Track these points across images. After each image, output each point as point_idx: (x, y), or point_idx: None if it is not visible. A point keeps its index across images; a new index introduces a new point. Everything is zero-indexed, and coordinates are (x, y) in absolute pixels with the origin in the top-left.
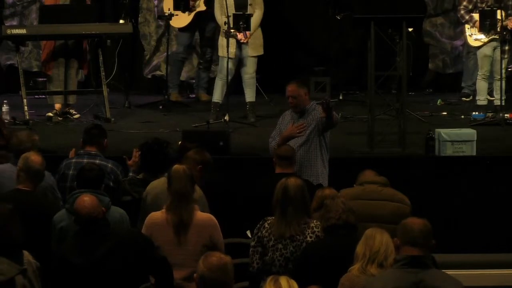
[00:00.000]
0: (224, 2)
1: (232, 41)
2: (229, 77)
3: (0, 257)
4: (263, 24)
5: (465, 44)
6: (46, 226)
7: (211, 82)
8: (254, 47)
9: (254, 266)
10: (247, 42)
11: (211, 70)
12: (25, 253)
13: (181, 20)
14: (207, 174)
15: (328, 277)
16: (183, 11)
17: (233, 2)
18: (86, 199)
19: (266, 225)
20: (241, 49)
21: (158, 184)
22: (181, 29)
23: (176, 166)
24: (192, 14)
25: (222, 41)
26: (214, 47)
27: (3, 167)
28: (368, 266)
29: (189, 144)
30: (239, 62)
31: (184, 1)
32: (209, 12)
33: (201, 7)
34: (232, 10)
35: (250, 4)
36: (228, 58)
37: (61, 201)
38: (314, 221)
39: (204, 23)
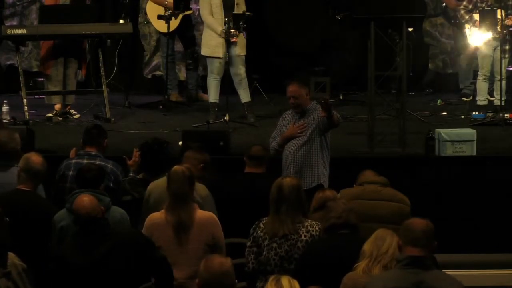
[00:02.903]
0: (217, 2)
1: (221, 40)
2: (221, 76)
3: None
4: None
5: (456, 45)
6: (46, 226)
7: (204, 79)
8: (241, 46)
9: (250, 266)
10: (235, 41)
11: (199, 68)
12: (11, 255)
13: (165, 24)
14: (208, 174)
15: (329, 277)
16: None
17: (220, 2)
18: (85, 199)
19: (261, 225)
20: (230, 49)
21: (160, 183)
22: (164, 34)
23: (175, 167)
24: (179, 18)
25: (212, 41)
26: (197, 44)
27: None
28: (373, 266)
29: (192, 144)
30: (228, 61)
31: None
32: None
33: (188, 10)
34: (220, 10)
35: (237, 4)
36: (219, 58)
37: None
38: (309, 220)
39: (182, 25)
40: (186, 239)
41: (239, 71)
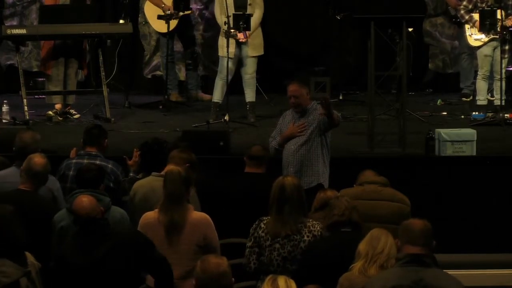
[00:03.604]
0: (224, 2)
1: (232, 41)
2: (229, 77)
3: (4, 259)
4: (263, 24)
5: (459, 45)
6: (46, 226)
7: (204, 79)
8: (254, 47)
9: (251, 266)
10: (246, 41)
11: (198, 68)
12: (28, 255)
13: (165, 24)
14: (195, 173)
15: (330, 275)
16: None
17: (232, 2)
18: (84, 200)
19: (262, 225)
20: (241, 49)
21: (145, 183)
22: (164, 34)
23: (171, 168)
24: (177, 19)
25: (221, 41)
26: (197, 44)
27: (5, 172)
28: (369, 267)
29: (180, 143)
30: (239, 62)
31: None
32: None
33: (188, 10)
34: (231, 10)
35: (250, 4)
36: (228, 58)
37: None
38: (310, 220)
39: (181, 25)
40: (177, 239)
41: (248, 70)
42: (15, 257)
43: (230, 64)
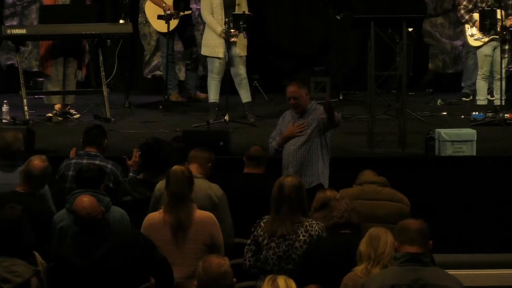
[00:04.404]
0: (218, 2)
1: (221, 41)
2: (221, 76)
3: (15, 259)
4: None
5: (465, 44)
6: (43, 228)
7: (203, 79)
8: (241, 47)
9: (247, 263)
10: (234, 42)
11: (198, 68)
12: (35, 254)
13: (165, 24)
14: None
15: (329, 276)
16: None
17: (220, 2)
18: (85, 200)
19: (262, 224)
20: (229, 49)
21: None
22: (164, 34)
23: (175, 167)
24: (177, 19)
25: (209, 40)
26: (197, 44)
27: None
28: (373, 268)
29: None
30: (229, 62)
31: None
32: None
33: (188, 10)
34: (219, 10)
35: (238, 4)
36: (219, 58)
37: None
38: (309, 220)
39: (182, 24)
40: (183, 239)
41: (240, 71)
42: (26, 256)
43: (221, 63)
